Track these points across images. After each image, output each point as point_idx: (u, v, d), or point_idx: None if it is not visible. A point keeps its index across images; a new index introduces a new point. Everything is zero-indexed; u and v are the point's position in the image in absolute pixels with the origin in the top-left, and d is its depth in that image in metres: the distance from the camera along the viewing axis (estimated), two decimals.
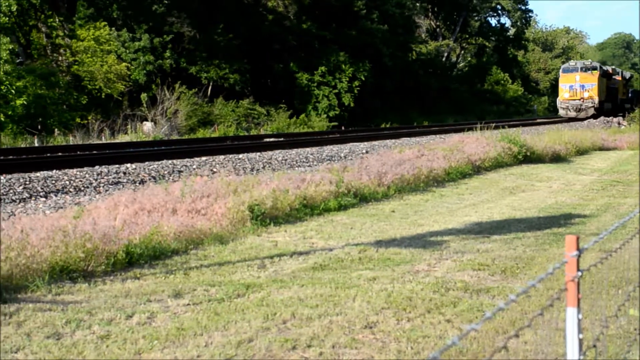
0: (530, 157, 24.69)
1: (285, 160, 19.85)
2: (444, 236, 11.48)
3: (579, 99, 57.13)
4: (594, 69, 58.40)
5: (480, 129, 27.99)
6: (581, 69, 58.09)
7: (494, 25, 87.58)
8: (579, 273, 3.40)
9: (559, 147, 27.53)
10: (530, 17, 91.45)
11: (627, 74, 77.05)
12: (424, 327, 6.69)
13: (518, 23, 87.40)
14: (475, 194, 17.20)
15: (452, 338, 2.36)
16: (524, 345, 6.07)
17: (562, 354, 4.15)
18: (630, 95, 77.94)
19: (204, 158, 18.75)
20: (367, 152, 22.73)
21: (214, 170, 16.84)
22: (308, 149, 22.80)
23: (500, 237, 11.47)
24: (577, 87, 57.29)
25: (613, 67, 76.73)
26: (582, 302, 3.60)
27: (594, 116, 56.44)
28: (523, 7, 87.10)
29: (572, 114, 57.01)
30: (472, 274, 8.81)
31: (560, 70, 60.84)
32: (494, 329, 6.55)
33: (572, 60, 65.47)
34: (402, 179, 16.87)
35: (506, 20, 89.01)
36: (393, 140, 27.41)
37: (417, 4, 73.91)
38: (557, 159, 26.46)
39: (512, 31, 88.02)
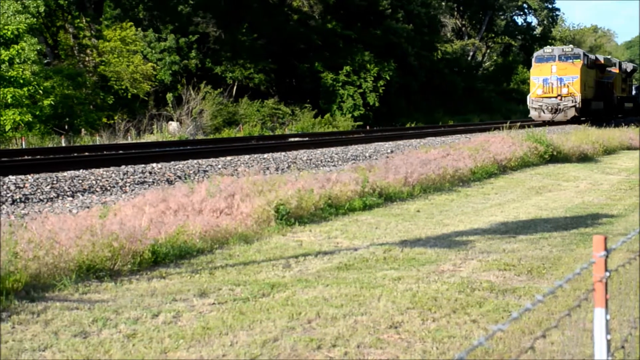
0: (556, 157, 24.51)
1: (310, 160, 19.84)
2: (469, 236, 11.43)
3: (556, 97, 43.97)
4: (576, 57, 44.79)
5: (506, 129, 27.83)
6: (559, 57, 44.63)
7: (520, 24, 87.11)
8: (607, 273, 3.37)
9: (586, 146, 27.32)
10: (557, 15, 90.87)
11: (629, 66, 63.26)
12: (450, 327, 6.66)
13: (544, 22, 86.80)
14: (501, 194, 17.11)
15: (479, 338, 2.35)
16: (551, 345, 6.03)
17: (589, 355, 4.12)
18: (635, 92, 66.07)
19: (229, 158, 18.79)
20: (392, 151, 22.68)
21: (239, 169, 16.89)
22: (333, 149, 22.79)
23: (527, 237, 11.40)
24: (553, 80, 43.96)
25: (608, 57, 61.45)
26: (610, 303, 3.57)
27: (576, 119, 43.62)
28: (550, 6, 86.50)
29: (547, 116, 43.72)
30: (498, 274, 8.76)
31: (533, 59, 46.30)
32: (521, 329, 6.51)
33: (547, 46, 49.80)
34: (428, 178, 16.82)
35: (532, 19, 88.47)
36: (418, 140, 27.33)
37: (443, 3, 73.72)
38: (584, 158, 26.26)
39: (538, 30, 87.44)
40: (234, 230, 10.92)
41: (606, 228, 12.33)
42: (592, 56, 50.09)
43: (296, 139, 29.13)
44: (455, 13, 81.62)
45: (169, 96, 41.47)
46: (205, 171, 16.51)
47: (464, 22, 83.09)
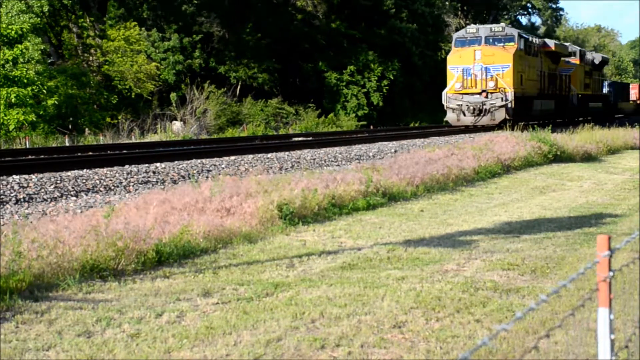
0: (560, 157, 24.49)
1: (314, 159, 19.84)
2: (473, 236, 11.42)
3: (480, 93, 33.31)
4: (509, 39, 34.23)
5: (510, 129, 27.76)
6: (486, 39, 34.05)
7: (524, 23, 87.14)
8: (611, 273, 3.36)
9: (590, 146, 27.29)
10: (561, 15, 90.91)
11: (597, 57, 52.29)
12: (453, 327, 6.66)
13: (548, 21, 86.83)
14: (504, 194, 17.10)
15: (483, 338, 2.35)
16: (555, 345, 6.02)
17: (593, 354, 4.11)
18: (605, 89, 56.22)
19: (232, 157, 18.80)
20: (395, 151, 22.67)
21: (243, 169, 16.89)
22: (336, 148, 22.78)
23: (530, 236, 11.39)
24: (476, 70, 33.37)
25: (565, 43, 50.00)
26: (614, 303, 3.57)
27: (507, 122, 32.81)
28: (554, 6, 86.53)
29: (468, 119, 33.54)
30: (501, 273, 8.75)
31: (452, 43, 35.85)
32: (524, 329, 6.51)
33: (471, 25, 37.65)
34: (432, 178, 16.81)
35: (536, 19, 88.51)
36: (422, 140, 27.30)
37: (447, 3, 73.63)
38: (588, 158, 26.22)
39: (542, 30, 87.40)
40: (238, 230, 10.92)
41: (610, 228, 12.31)
42: (535, 39, 39.01)
43: (300, 138, 29.13)
44: (460, 13, 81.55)
45: (173, 96, 41.53)
46: (209, 171, 16.52)
47: (468, 22, 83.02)
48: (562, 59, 43.03)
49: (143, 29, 44.09)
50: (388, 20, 55.00)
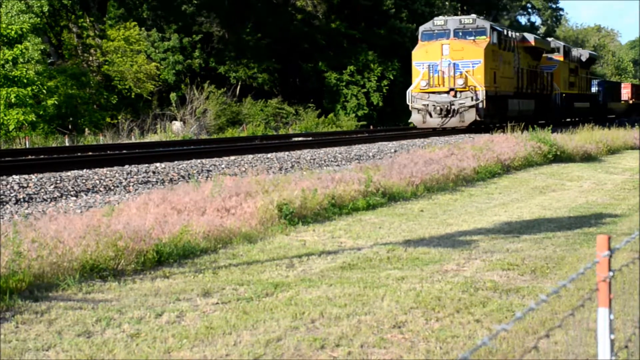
0: (560, 157, 24.49)
1: (314, 159, 19.84)
2: (473, 236, 11.42)
3: (447, 91, 30.69)
4: (481, 32, 31.39)
5: (510, 129, 27.74)
6: (455, 32, 31.36)
7: (524, 23, 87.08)
8: (611, 273, 3.36)
9: (590, 146, 27.28)
10: (561, 15, 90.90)
11: (584, 54, 49.30)
12: (453, 327, 6.66)
13: (548, 21, 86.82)
14: (504, 194, 17.10)
15: (483, 338, 2.35)
16: (555, 345, 6.02)
17: (593, 354, 4.11)
18: (594, 88, 53.18)
19: (232, 157, 18.80)
20: (395, 151, 22.67)
21: (243, 169, 16.89)
22: (336, 148, 22.78)
23: (530, 236, 11.39)
24: (444, 67, 30.72)
25: (547, 39, 46.48)
26: (614, 303, 3.57)
27: (478, 125, 31.04)
28: (553, 6, 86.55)
29: (435, 120, 30.91)
30: (501, 273, 8.76)
31: (419, 35, 32.70)
32: (524, 329, 6.51)
33: (439, 17, 34.10)
34: (431, 178, 16.81)
35: (536, 19, 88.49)
36: (422, 140, 27.29)
37: (447, 3, 73.62)
38: (588, 158, 26.22)
39: (542, 29, 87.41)
40: (238, 230, 10.92)
41: (610, 228, 12.32)
42: (512, 33, 35.84)
43: (300, 138, 29.14)
44: (459, 13, 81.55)
45: (173, 96, 41.54)
46: (209, 171, 16.52)
47: None
48: (545, 55, 40.42)
49: (143, 29, 44.10)
50: (388, 20, 54.98)
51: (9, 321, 6.77)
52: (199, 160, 17.83)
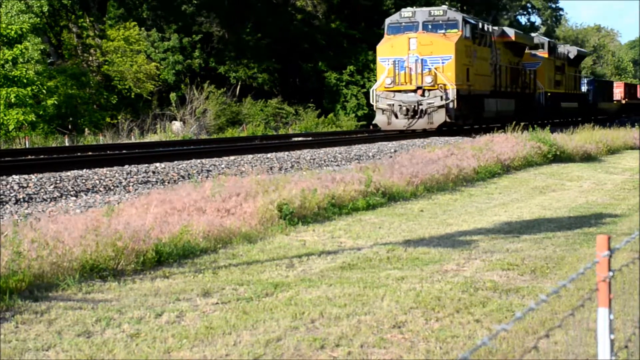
0: (560, 157, 24.49)
1: (314, 159, 19.84)
2: (473, 236, 11.42)
3: (415, 90, 28.11)
4: (452, 25, 28.61)
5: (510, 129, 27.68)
6: (424, 24, 28.55)
7: (524, 23, 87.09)
8: (611, 273, 3.36)
9: (590, 146, 27.28)
10: (561, 15, 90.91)
11: (572, 50, 46.16)
12: (453, 327, 6.66)
13: (548, 21, 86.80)
14: (504, 194, 17.10)
15: (483, 338, 2.35)
16: (555, 345, 6.02)
17: (593, 354, 4.11)
18: (584, 87, 50.65)
19: (232, 157, 18.80)
20: (395, 151, 22.66)
21: (243, 169, 16.89)
22: (336, 148, 22.77)
23: (530, 236, 11.39)
24: (411, 62, 28.08)
25: (531, 34, 44.52)
26: (614, 303, 3.57)
27: (449, 127, 28.85)
28: (553, 6, 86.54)
29: (401, 122, 28.42)
30: (501, 273, 8.75)
31: (385, 29, 29.90)
32: (524, 329, 6.51)
33: (406, 9, 30.28)
34: (431, 178, 16.80)
35: (536, 19, 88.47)
36: (422, 140, 27.25)
37: (446, 3, 73.69)
38: (587, 158, 26.22)
39: (542, 29, 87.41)
40: (238, 229, 10.92)
41: (610, 228, 12.31)
42: (489, 27, 32.88)
43: (300, 138, 29.14)
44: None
45: (173, 96, 41.54)
46: (208, 171, 16.51)
47: None
48: (528, 51, 37.89)
49: (143, 29, 44.11)
50: None
51: (8, 321, 6.77)
52: (198, 160, 17.82)
